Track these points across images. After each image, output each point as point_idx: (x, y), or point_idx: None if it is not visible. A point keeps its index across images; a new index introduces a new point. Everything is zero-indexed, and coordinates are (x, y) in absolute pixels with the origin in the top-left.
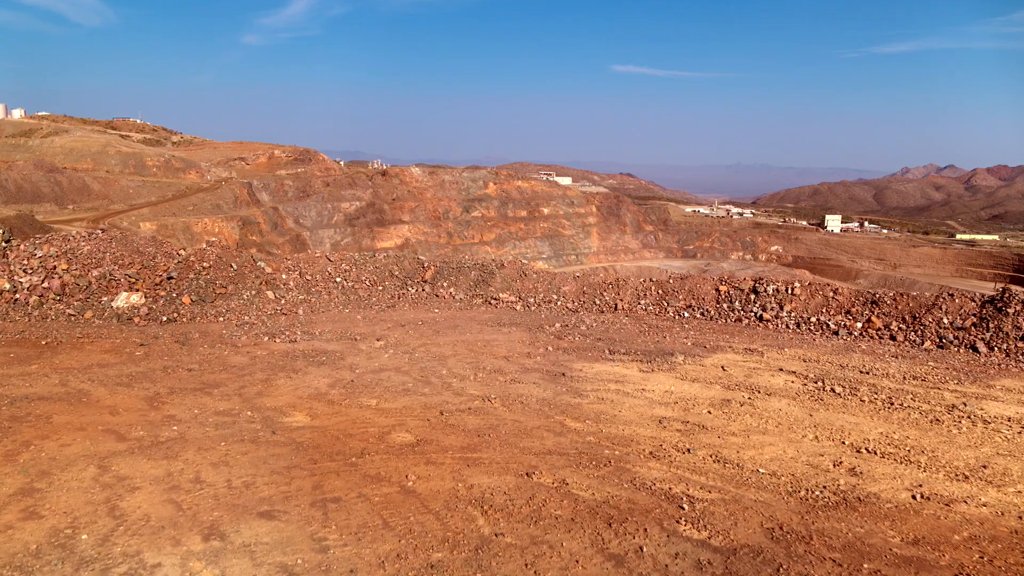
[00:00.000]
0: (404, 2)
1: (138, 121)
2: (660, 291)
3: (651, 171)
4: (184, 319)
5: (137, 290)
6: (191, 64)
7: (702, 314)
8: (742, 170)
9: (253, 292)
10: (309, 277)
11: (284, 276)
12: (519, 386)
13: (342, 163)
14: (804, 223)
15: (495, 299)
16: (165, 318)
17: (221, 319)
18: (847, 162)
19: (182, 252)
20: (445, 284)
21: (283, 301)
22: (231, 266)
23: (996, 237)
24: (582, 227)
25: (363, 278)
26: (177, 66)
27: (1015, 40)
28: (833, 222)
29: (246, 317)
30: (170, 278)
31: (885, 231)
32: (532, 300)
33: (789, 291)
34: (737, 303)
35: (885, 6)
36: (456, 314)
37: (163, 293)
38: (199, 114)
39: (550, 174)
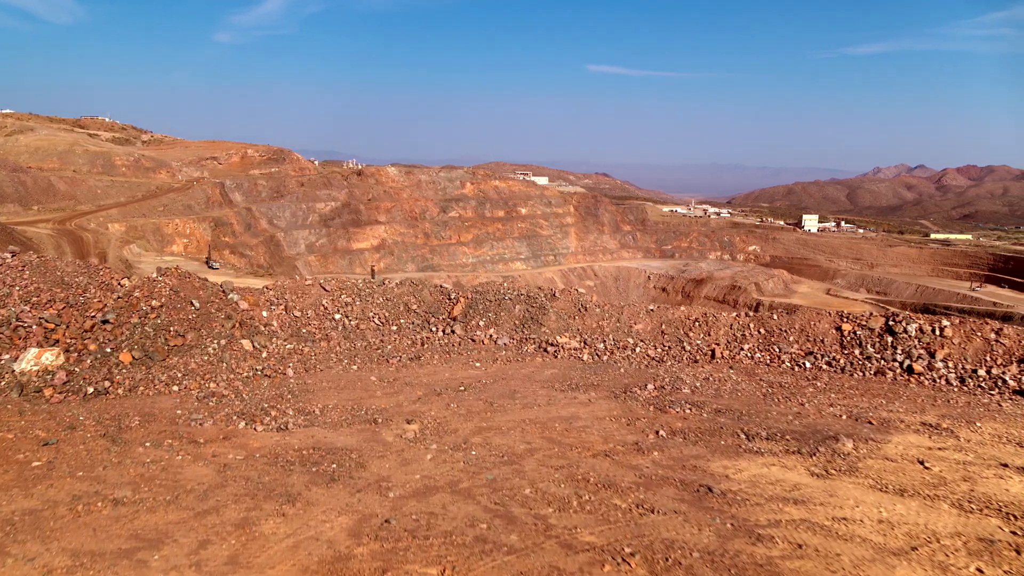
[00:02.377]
0: (380, 0)
1: (107, 120)
2: (763, 330)
3: (626, 171)
4: (121, 389)
5: (56, 342)
6: (162, 62)
7: (829, 363)
8: (717, 170)
9: (223, 342)
10: (299, 313)
11: (265, 314)
12: (657, 523)
13: (317, 163)
14: (781, 223)
15: (551, 344)
16: (92, 389)
17: (176, 387)
18: (820, 162)
19: (124, 284)
20: (482, 323)
21: (264, 354)
22: (191, 304)
23: (970, 237)
24: (560, 227)
25: (371, 314)
26: (148, 64)
27: (983, 42)
28: (810, 222)
29: (212, 384)
30: (105, 322)
31: (861, 231)
32: (601, 346)
33: (937, 331)
34: (869, 347)
35: (858, 8)
36: (506, 370)
37: (93, 347)
38: (170, 113)
39: (527, 174)
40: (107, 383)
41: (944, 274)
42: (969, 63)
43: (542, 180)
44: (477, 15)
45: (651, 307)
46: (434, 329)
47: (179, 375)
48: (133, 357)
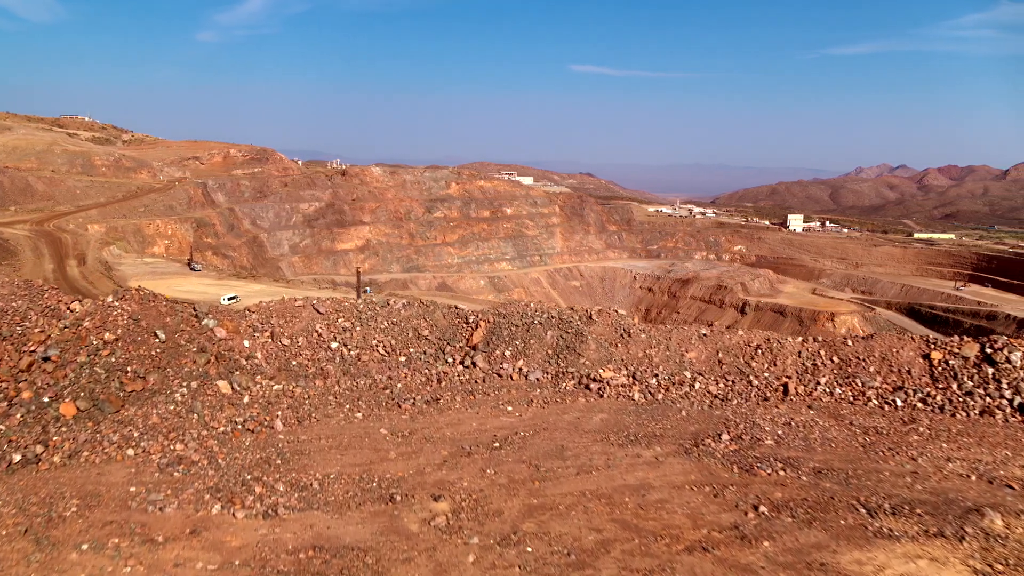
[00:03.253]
0: (364, 1)
1: (86, 119)
2: (836, 358)
3: (611, 171)
4: (58, 455)
5: None
6: (144, 61)
7: (923, 401)
8: (701, 170)
9: (194, 384)
10: (287, 341)
11: (247, 343)
12: None
13: (300, 163)
14: (767, 222)
15: (594, 380)
16: (20, 456)
17: (131, 451)
18: (803, 161)
19: (73, 309)
20: (508, 352)
21: (246, 398)
22: (156, 335)
23: (952, 236)
24: (546, 227)
25: (374, 341)
26: (129, 63)
27: (964, 44)
28: (795, 221)
29: (179, 444)
30: (46, 359)
31: (846, 230)
32: (654, 381)
33: None
34: (967, 379)
35: (841, 8)
36: (546, 415)
37: (27, 395)
38: (151, 112)
39: (512, 174)
40: (40, 447)
41: (928, 273)
42: (950, 64)
43: (527, 180)
44: (460, 15)
45: (704, 331)
46: (451, 360)
47: (136, 433)
48: (78, 409)
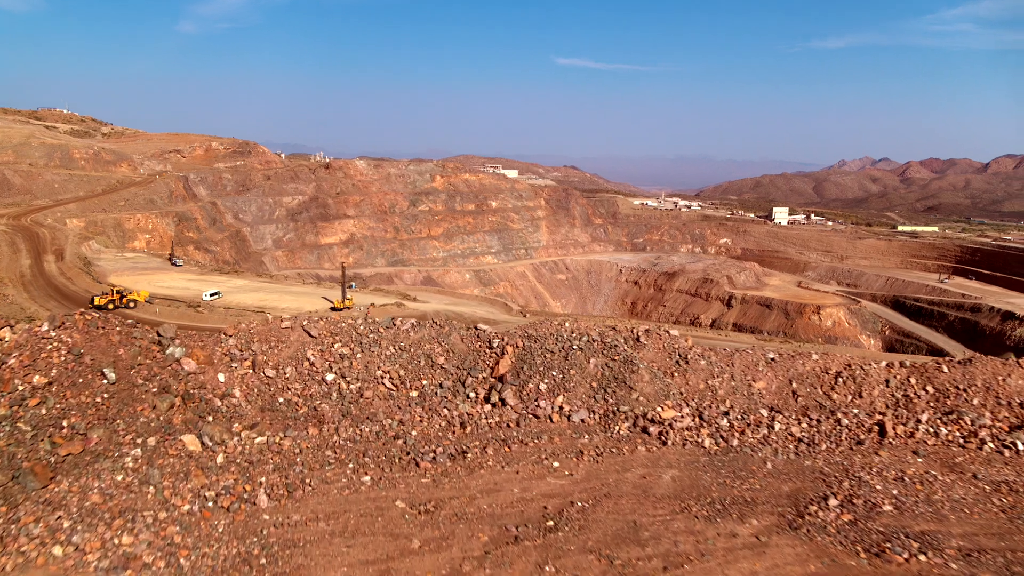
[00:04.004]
0: None
1: (65, 111)
2: (931, 388)
3: (595, 164)
4: None
5: None
6: (124, 53)
7: None
8: (684, 163)
9: (152, 442)
10: (272, 372)
11: (223, 377)
12: None
13: (283, 156)
14: (752, 215)
15: (652, 420)
16: None
17: (58, 550)
18: (786, 154)
19: (2, 338)
20: (543, 385)
21: (221, 458)
22: (103, 375)
23: (936, 229)
24: (531, 220)
25: (378, 371)
26: (108, 55)
27: (943, 38)
28: (780, 214)
29: (127, 537)
30: None
31: (831, 223)
32: (724, 422)
33: None
34: None
35: (823, 2)
36: (603, 474)
37: None
38: (131, 105)
39: (496, 167)
40: None
41: (913, 266)
42: (931, 58)
43: (512, 173)
44: (444, 6)
45: (771, 354)
46: (474, 396)
47: (67, 522)
48: None
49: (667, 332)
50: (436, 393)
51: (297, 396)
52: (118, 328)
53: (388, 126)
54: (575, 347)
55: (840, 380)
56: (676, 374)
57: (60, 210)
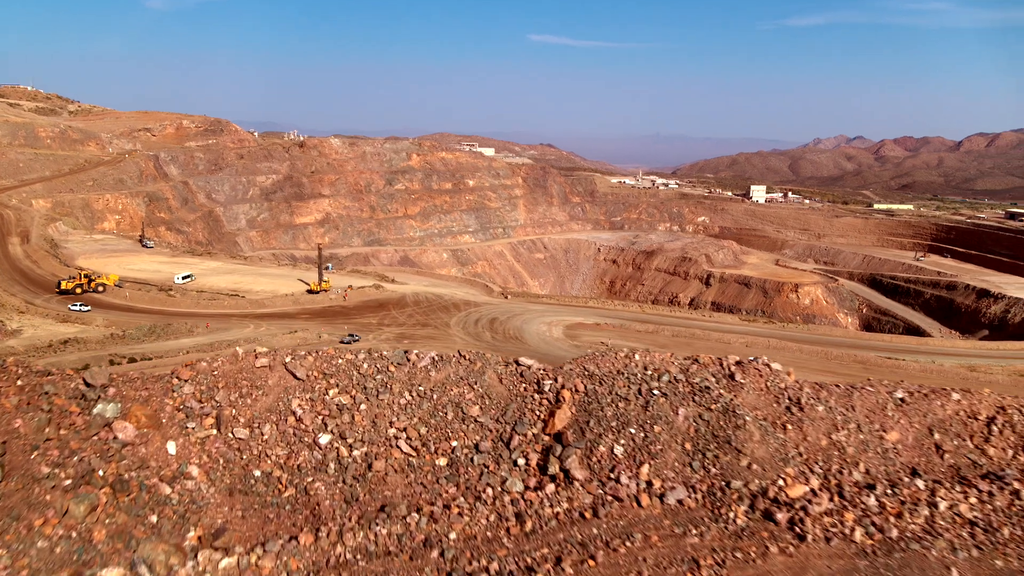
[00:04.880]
0: None
1: (29, 88)
2: None
3: (571, 142)
4: None
5: None
6: (90, 28)
7: None
8: (660, 140)
9: None
10: (244, 433)
11: (173, 447)
12: None
13: (256, 134)
14: (729, 194)
15: (778, 500)
16: None
17: None
18: (761, 132)
19: None
20: (618, 448)
21: None
22: None
23: (911, 207)
24: (509, 199)
25: (392, 430)
26: (74, 30)
27: (917, 16)
28: (758, 192)
29: None
30: None
31: (807, 201)
32: (872, 501)
33: None
34: None
35: None
36: None
37: None
38: (99, 82)
39: (473, 145)
40: None
41: (889, 244)
42: (906, 36)
43: (488, 151)
44: None
45: (899, 394)
46: (523, 462)
47: None
48: None
49: (766, 365)
50: (472, 460)
51: (280, 467)
52: (18, 382)
53: (362, 104)
54: (655, 391)
55: (995, 429)
56: (789, 426)
57: (25, 190)
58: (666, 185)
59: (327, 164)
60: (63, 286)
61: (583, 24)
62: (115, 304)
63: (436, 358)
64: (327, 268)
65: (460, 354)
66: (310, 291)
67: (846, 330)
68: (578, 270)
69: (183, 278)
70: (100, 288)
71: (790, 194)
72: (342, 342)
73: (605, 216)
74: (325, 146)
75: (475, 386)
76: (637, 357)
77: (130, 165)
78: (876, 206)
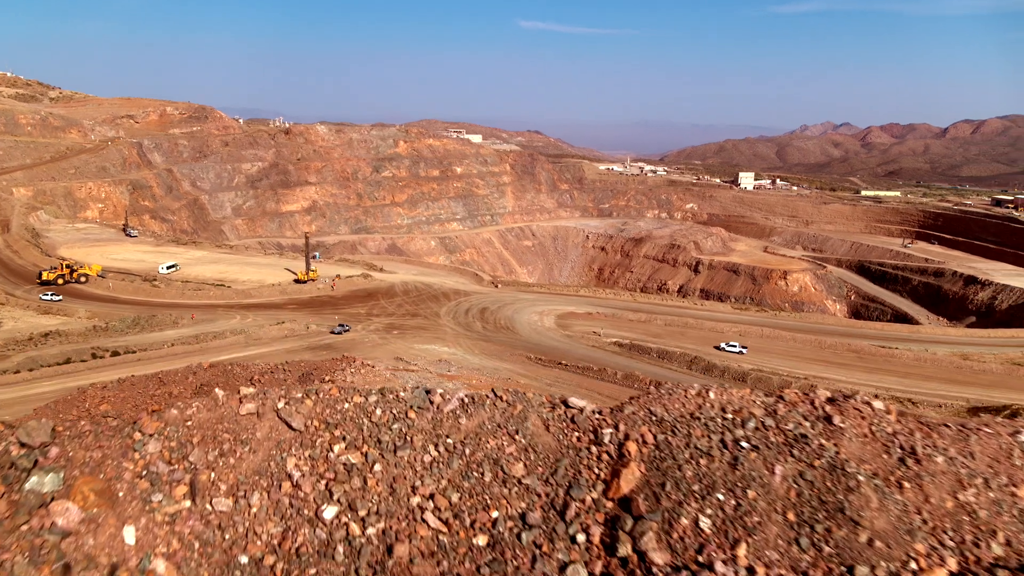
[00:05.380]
0: None
1: (8, 74)
2: None
3: (559, 128)
4: None
5: None
6: (71, 13)
7: None
8: (647, 127)
9: None
10: (227, 504)
11: (132, 535)
12: None
13: (241, 121)
14: (718, 180)
15: None
16: None
17: None
18: (748, 119)
19: None
20: (704, 520)
21: None
22: None
23: (898, 194)
24: (496, 186)
25: (415, 499)
26: (55, 14)
27: (903, 3)
28: (746, 179)
29: None
30: None
31: (795, 188)
32: None
33: None
34: None
35: None
36: None
37: None
38: (80, 67)
39: (460, 131)
40: None
41: (876, 231)
42: (893, 23)
43: (476, 138)
44: None
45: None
46: (583, 539)
47: None
48: None
49: (866, 403)
50: (520, 537)
51: (273, 552)
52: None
53: (348, 90)
54: (742, 442)
55: None
56: (907, 484)
57: (6, 178)
58: (654, 172)
59: (313, 151)
60: (44, 277)
61: (572, 10)
62: (98, 295)
63: (466, 400)
64: (314, 257)
65: (495, 394)
66: (297, 281)
67: (837, 318)
68: (566, 257)
69: (168, 268)
70: (83, 279)
71: (778, 181)
72: (332, 332)
73: (593, 203)
74: (311, 133)
75: (516, 436)
76: (712, 396)
77: (113, 152)
78: (863, 193)
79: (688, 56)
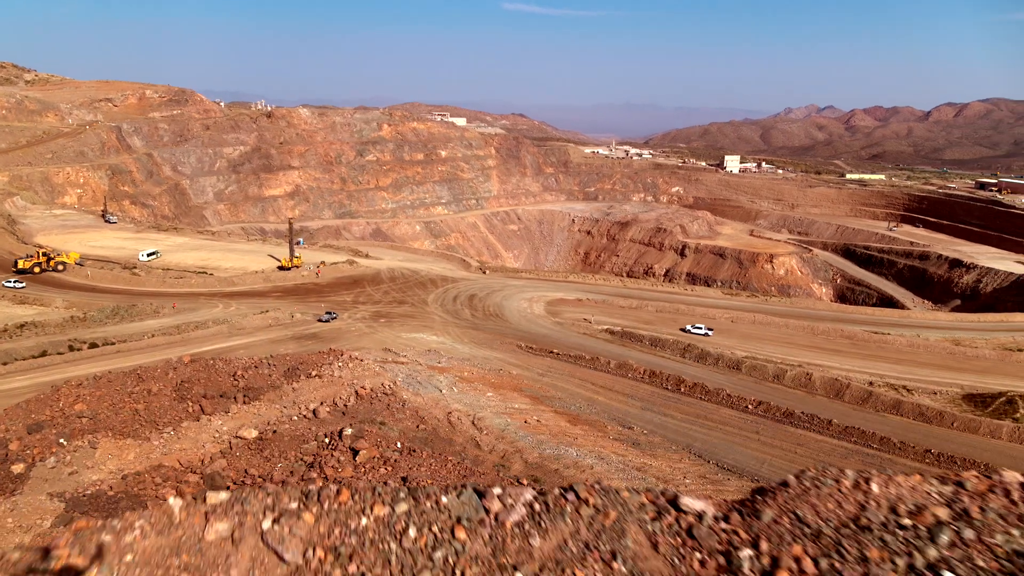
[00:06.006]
0: None
1: None
2: None
3: (543, 111)
4: None
5: None
6: None
7: None
8: (631, 110)
9: None
10: None
11: None
12: None
13: (222, 104)
14: (703, 164)
15: None
16: None
17: None
18: (732, 102)
19: None
20: None
21: None
22: None
23: (883, 177)
24: (481, 170)
25: None
26: None
27: None
28: (732, 163)
29: None
30: None
31: (781, 171)
32: None
33: None
34: None
35: None
36: None
37: None
38: (57, 50)
39: (444, 115)
40: None
41: (862, 214)
42: (875, 5)
43: (460, 121)
44: None
45: None
46: None
47: None
48: None
49: None
50: None
51: None
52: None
53: (330, 73)
54: (937, 564)
55: None
56: None
57: None
58: (640, 155)
59: (296, 135)
60: (20, 265)
61: None
62: (76, 283)
63: (536, 505)
64: (298, 243)
65: (575, 494)
66: (281, 268)
67: (828, 303)
68: (552, 241)
69: (148, 255)
70: (60, 267)
71: (763, 164)
72: (320, 320)
73: (579, 187)
74: (294, 116)
75: (615, 564)
76: (875, 488)
77: (91, 137)
78: (848, 176)
79: (671, 38)
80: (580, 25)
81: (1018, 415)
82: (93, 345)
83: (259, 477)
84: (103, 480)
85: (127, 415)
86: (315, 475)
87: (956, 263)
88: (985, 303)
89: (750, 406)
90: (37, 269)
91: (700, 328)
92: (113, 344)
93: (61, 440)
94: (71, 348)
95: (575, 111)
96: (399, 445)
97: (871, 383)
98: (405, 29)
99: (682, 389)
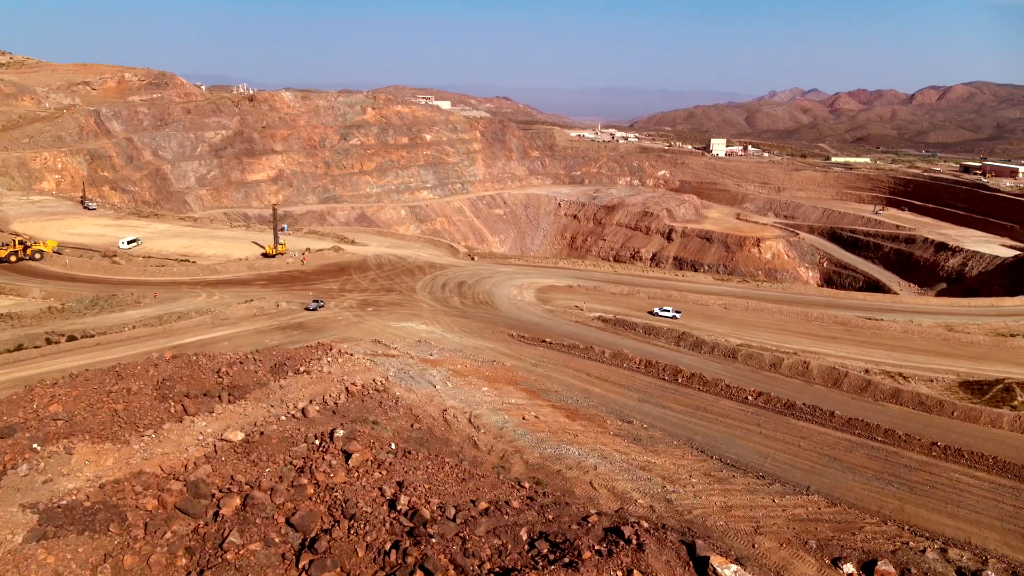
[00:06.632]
0: None
1: None
2: None
3: (527, 94)
4: None
5: None
6: None
7: None
8: (615, 93)
9: None
10: None
11: None
12: None
13: (203, 87)
14: (689, 147)
15: None
16: None
17: None
18: (716, 85)
19: None
20: None
21: None
22: None
23: (868, 160)
24: (467, 154)
25: None
26: None
27: None
28: (718, 146)
29: None
30: None
31: (767, 155)
32: None
33: None
34: None
35: None
36: None
37: None
38: (32, 31)
39: (429, 98)
40: None
41: (847, 197)
42: None
43: (444, 105)
44: None
45: None
46: None
47: None
48: None
49: None
50: None
51: None
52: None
53: (312, 55)
54: None
55: None
56: None
57: None
58: (625, 139)
59: (279, 119)
60: None
61: None
62: (54, 272)
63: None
64: (282, 229)
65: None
66: (265, 255)
67: (819, 288)
68: (538, 226)
69: (128, 243)
70: (37, 255)
71: (749, 147)
72: (307, 309)
73: (565, 170)
74: (276, 100)
75: None
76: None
77: (69, 121)
78: (834, 159)
79: (654, 20)
80: (562, 7)
81: (1016, 403)
82: (71, 338)
83: (246, 484)
84: (79, 489)
85: (105, 416)
86: (305, 481)
87: (942, 246)
88: (970, 286)
89: (749, 397)
90: (13, 258)
91: (668, 311)
92: (92, 336)
93: (35, 445)
94: (48, 341)
95: (559, 93)
96: (393, 446)
97: (867, 371)
98: (388, 11)
99: (679, 379)
